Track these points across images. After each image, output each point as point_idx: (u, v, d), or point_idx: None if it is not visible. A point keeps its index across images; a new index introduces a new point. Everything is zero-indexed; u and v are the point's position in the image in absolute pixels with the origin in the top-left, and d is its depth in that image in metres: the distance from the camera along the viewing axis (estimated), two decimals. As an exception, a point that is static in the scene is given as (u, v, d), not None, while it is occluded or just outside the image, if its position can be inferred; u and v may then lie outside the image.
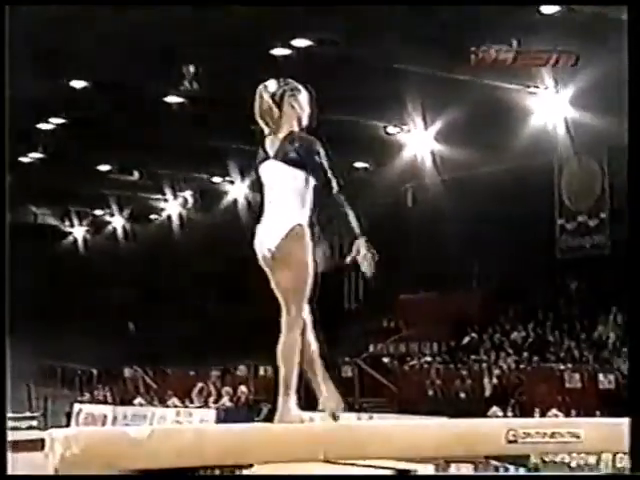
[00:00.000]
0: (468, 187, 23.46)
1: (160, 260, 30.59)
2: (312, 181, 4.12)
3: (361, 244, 4.08)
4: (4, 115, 3.69)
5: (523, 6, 14.61)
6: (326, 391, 4.22)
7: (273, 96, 4.21)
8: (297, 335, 4.08)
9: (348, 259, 4.11)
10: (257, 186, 4.29)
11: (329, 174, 4.07)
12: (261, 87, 4.25)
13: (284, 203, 4.10)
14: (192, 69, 17.06)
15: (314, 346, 4.23)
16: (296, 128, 4.22)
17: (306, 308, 4.19)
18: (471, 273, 24.59)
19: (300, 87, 4.33)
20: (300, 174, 4.11)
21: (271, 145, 4.20)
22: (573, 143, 20.15)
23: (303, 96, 4.30)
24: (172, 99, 18.95)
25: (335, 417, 4.17)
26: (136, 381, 26.47)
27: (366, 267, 4.08)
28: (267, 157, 4.20)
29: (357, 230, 4.10)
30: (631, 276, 3.91)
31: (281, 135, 4.18)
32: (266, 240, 4.13)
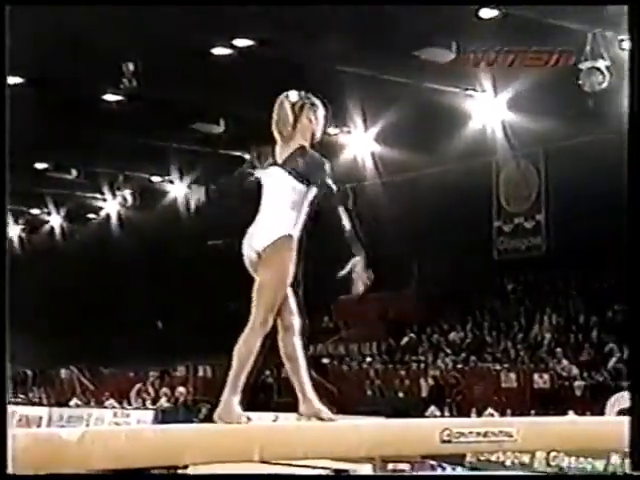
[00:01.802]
0: (407, 188, 23.63)
1: (98, 259, 30.22)
2: (310, 197, 4.22)
3: (358, 262, 4.21)
4: (4, 115, 3.66)
5: (462, 10, 14.75)
6: (303, 396, 4.24)
7: (293, 106, 4.29)
8: (257, 339, 4.10)
9: (342, 272, 4.21)
10: (257, 188, 4.33)
11: (334, 191, 4.18)
12: (282, 97, 4.34)
13: (280, 211, 4.18)
14: (131, 67, 16.88)
15: (299, 350, 4.25)
16: (308, 141, 4.32)
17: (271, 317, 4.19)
18: (410, 274, 24.77)
19: (319, 103, 4.39)
20: (301, 188, 4.20)
21: (280, 153, 4.28)
22: (511, 146, 20.43)
23: (321, 112, 4.37)
24: (111, 97, 18.74)
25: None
26: (72, 382, 26.13)
27: (359, 286, 4.21)
28: (274, 163, 4.27)
29: (356, 247, 4.22)
30: (631, 276, 3.98)
31: (293, 146, 4.27)
32: (255, 242, 4.19)
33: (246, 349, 4.07)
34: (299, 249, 4.22)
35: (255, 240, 4.18)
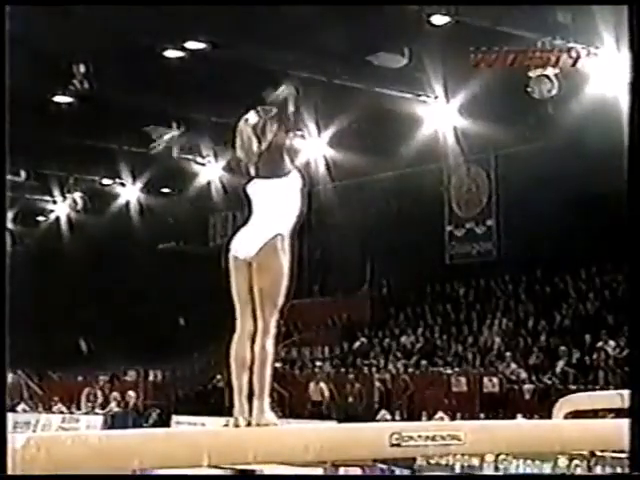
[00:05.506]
0: (360, 193, 23.72)
1: (48, 262, 29.85)
2: (298, 185, 4.34)
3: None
4: (4, 114, 3.63)
5: (414, 17, 14.84)
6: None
7: (255, 128, 4.38)
8: (271, 340, 4.22)
9: None
10: (245, 203, 4.39)
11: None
12: (242, 123, 4.42)
13: (270, 214, 4.26)
14: (82, 69, 16.71)
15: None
16: (277, 151, 4.38)
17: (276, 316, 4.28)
18: (362, 278, 24.85)
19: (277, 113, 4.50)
20: (290, 181, 4.32)
21: (260, 166, 4.34)
22: (462, 151, 20.60)
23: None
24: (61, 99, 18.52)
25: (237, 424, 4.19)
26: (20, 387, 25.73)
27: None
28: (253, 177, 4.34)
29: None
30: (632, 279, 4.02)
31: (266, 156, 4.34)
32: (245, 246, 4.23)
33: (265, 353, 4.18)
34: (291, 245, 4.29)
35: (246, 244, 4.22)
